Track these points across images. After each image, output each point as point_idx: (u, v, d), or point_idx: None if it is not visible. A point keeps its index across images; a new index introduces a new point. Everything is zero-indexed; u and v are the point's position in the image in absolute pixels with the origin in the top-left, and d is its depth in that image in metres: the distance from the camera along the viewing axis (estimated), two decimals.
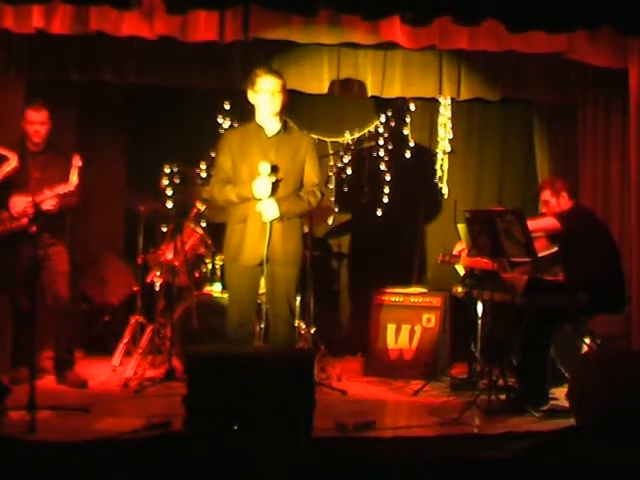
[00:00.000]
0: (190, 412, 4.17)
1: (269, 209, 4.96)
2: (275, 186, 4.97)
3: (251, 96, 5.12)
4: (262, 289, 5.20)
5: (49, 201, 5.38)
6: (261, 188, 4.95)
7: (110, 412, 4.98)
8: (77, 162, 5.36)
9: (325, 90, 6.33)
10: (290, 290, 5.10)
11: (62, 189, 5.39)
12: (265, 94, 5.03)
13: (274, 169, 4.96)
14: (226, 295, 5.91)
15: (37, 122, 5.54)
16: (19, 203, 5.38)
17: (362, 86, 6.38)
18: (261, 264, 4.99)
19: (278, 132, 5.11)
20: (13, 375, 5.41)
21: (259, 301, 5.38)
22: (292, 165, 5.07)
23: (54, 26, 5.49)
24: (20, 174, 5.43)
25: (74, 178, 5.35)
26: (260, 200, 4.96)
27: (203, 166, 6.81)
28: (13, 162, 5.33)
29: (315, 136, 6.84)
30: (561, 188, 5.60)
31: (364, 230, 7.23)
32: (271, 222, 4.97)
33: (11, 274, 5.58)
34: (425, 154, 7.15)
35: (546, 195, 5.63)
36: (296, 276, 5.14)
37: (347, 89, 6.39)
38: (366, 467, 3.82)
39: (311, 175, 5.14)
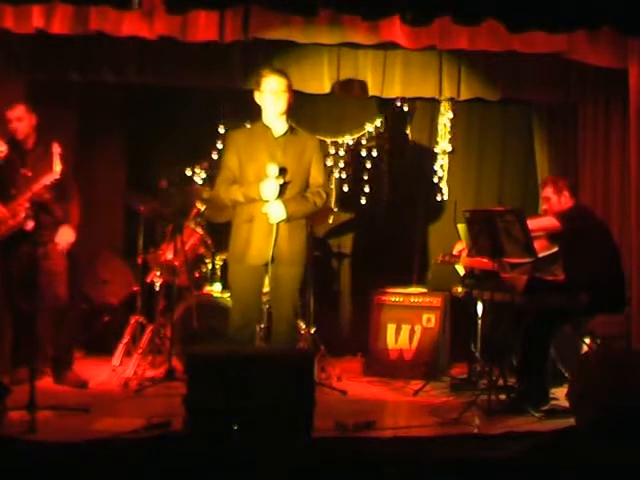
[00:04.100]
0: (190, 412, 4.17)
1: (276, 211, 4.96)
2: (283, 188, 4.98)
3: (257, 97, 5.13)
4: (266, 288, 5.22)
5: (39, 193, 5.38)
6: (269, 190, 4.95)
7: (110, 412, 4.97)
8: (57, 149, 5.31)
9: (325, 90, 6.34)
10: (295, 290, 5.11)
11: (48, 179, 5.36)
12: (270, 94, 5.04)
13: (282, 171, 4.97)
14: (226, 295, 5.92)
15: (14, 119, 5.51)
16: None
17: (362, 86, 6.38)
18: (267, 264, 5.00)
19: (285, 133, 5.12)
20: (13, 375, 5.40)
21: (262, 300, 5.38)
22: (298, 166, 5.07)
23: (54, 26, 5.50)
24: (11, 173, 5.43)
25: (57, 166, 5.33)
26: (267, 202, 4.97)
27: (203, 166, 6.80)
28: (2, 147, 5.33)
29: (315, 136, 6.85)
30: (563, 187, 5.60)
31: (364, 230, 7.23)
32: (278, 223, 4.98)
33: (10, 274, 5.58)
34: (425, 154, 7.15)
35: (548, 192, 5.64)
36: (301, 276, 5.15)
37: (347, 89, 6.39)
38: (366, 467, 3.82)
39: (317, 176, 5.15)
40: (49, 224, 5.49)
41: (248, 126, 5.65)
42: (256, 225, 5.01)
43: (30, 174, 5.35)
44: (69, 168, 5.52)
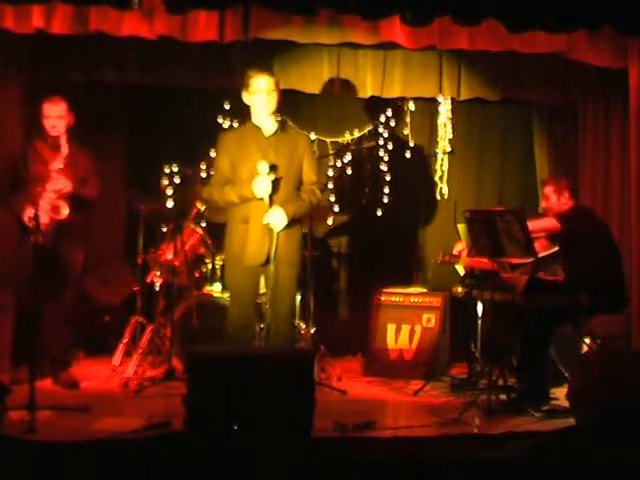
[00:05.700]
0: (190, 412, 4.17)
1: (278, 219, 4.97)
2: (275, 185, 4.99)
3: (246, 98, 5.14)
4: (262, 289, 5.22)
5: (59, 185, 5.36)
6: (261, 187, 4.96)
7: (110, 412, 4.97)
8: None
9: (325, 90, 6.34)
10: (292, 289, 5.14)
11: (57, 164, 5.37)
12: (260, 94, 5.06)
13: (273, 168, 4.97)
14: (226, 295, 5.91)
15: (53, 116, 5.49)
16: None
17: (362, 86, 6.38)
18: (264, 264, 5.00)
19: (275, 132, 5.13)
20: (13, 375, 5.40)
21: (259, 301, 5.39)
22: (291, 164, 5.09)
23: (54, 26, 5.49)
24: (42, 171, 5.41)
25: (64, 149, 5.34)
26: (261, 199, 4.97)
27: (203, 166, 6.81)
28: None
29: (315, 136, 6.85)
30: (564, 187, 5.61)
31: (364, 230, 7.23)
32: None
33: (18, 272, 5.54)
34: (425, 154, 7.14)
35: (549, 190, 5.64)
36: (297, 275, 5.17)
37: (347, 89, 6.39)
38: (366, 467, 3.82)
39: (309, 173, 5.16)
40: (69, 228, 5.46)
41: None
42: (252, 226, 5.01)
43: (60, 171, 5.37)
44: (91, 164, 5.57)
